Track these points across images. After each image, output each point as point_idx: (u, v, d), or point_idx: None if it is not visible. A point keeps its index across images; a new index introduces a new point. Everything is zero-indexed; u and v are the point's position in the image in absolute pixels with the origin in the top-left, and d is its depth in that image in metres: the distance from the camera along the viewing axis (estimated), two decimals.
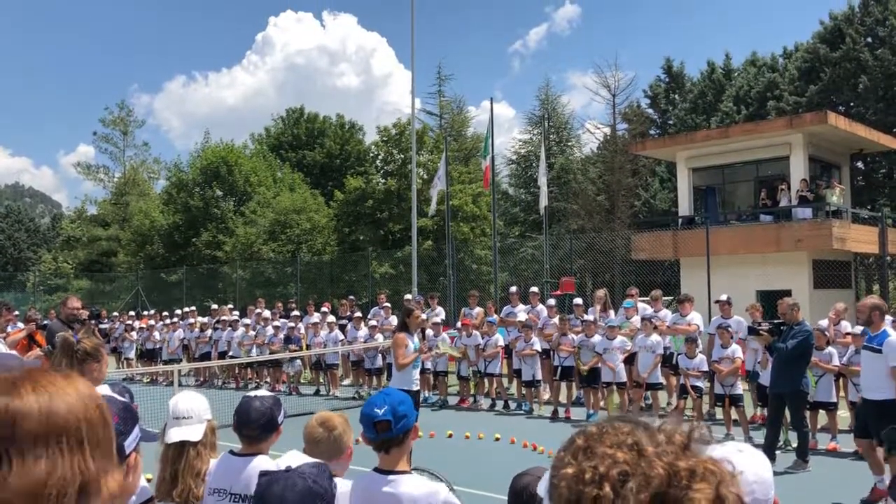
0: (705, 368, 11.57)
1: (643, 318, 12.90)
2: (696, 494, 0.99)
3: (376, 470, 2.97)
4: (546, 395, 14.40)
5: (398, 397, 2.99)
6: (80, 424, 1.17)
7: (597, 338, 13.07)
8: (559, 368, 13.48)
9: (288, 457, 2.74)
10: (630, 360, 12.76)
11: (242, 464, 3.22)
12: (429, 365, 14.84)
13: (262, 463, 3.16)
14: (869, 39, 31.90)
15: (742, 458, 1.78)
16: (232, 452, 3.33)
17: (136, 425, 1.86)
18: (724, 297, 12.83)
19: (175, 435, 3.29)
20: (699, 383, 11.61)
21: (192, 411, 3.34)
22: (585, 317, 13.96)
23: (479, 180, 30.11)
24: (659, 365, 12.35)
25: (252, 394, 3.38)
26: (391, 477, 2.91)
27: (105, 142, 51.13)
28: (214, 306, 21.71)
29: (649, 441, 1.04)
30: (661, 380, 12.60)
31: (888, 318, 8.45)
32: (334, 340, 16.87)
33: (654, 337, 12.37)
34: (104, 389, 3.10)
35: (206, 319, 20.30)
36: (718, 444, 1.62)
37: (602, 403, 13.10)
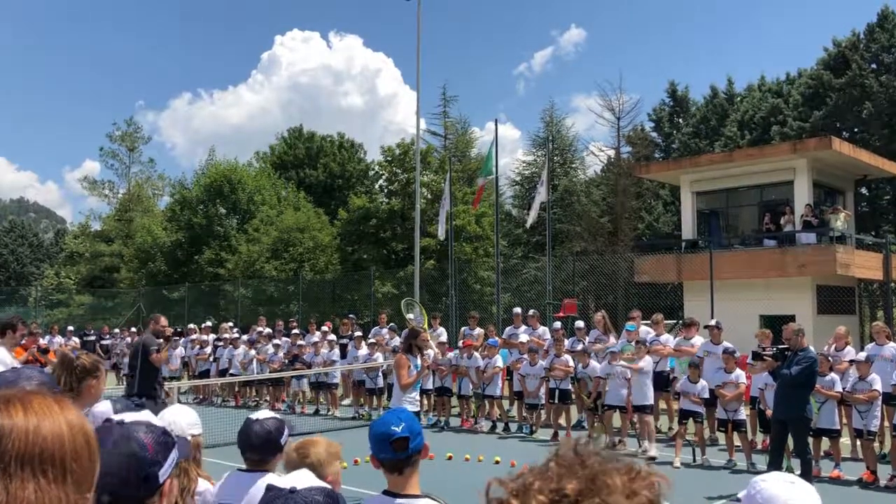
0: (706, 395, 11.47)
1: (637, 342, 12.54)
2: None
3: (386, 493, 2.79)
4: (544, 417, 14.27)
5: (410, 414, 2.92)
6: (66, 454, 1.15)
7: (593, 364, 12.97)
8: (556, 391, 13.38)
9: (294, 476, 2.63)
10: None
11: (250, 480, 3.22)
12: (430, 386, 14.76)
13: (269, 480, 3.13)
14: (874, 66, 32.02)
15: (794, 489, 1.78)
16: (241, 469, 3.34)
17: (172, 450, 1.78)
18: (713, 322, 12.81)
19: None
20: (699, 409, 11.48)
21: (173, 426, 3.21)
22: (586, 340, 13.84)
23: (483, 201, 30.00)
24: (650, 387, 12.01)
25: (254, 416, 3.35)
26: (404, 501, 2.75)
27: (111, 157, 51.33)
28: (215, 322, 21.64)
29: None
30: (650, 402, 12.03)
31: None
32: (333, 360, 16.83)
33: (647, 359, 12.17)
34: (104, 405, 3.07)
35: (206, 337, 20.22)
36: (765, 475, 1.61)
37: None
